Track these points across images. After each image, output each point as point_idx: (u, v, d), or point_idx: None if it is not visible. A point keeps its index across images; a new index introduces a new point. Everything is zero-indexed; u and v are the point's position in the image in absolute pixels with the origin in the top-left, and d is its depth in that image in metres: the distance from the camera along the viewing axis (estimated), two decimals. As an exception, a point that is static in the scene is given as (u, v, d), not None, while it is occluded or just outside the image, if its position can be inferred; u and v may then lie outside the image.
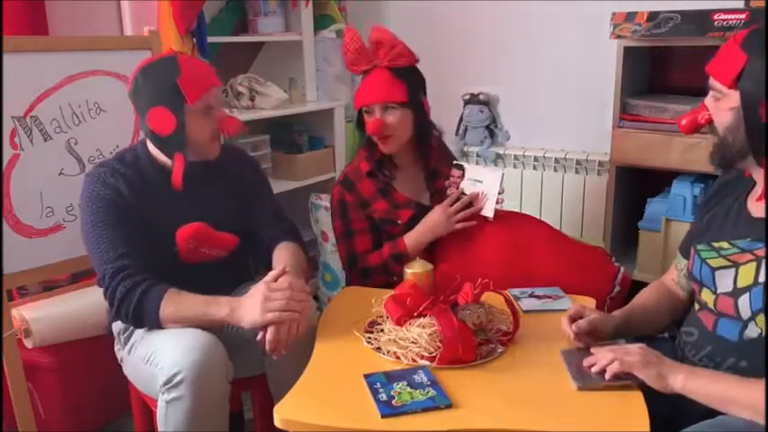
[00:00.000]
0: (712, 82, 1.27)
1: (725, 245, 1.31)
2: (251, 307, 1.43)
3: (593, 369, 1.23)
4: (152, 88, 1.57)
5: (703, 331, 1.32)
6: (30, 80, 1.77)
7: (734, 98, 1.22)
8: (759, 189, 1.29)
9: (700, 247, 1.36)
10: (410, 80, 1.85)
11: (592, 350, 1.29)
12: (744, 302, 1.24)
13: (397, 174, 1.94)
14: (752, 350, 1.23)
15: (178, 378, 1.38)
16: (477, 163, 2.84)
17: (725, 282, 1.27)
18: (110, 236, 1.53)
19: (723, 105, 1.25)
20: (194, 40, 2.19)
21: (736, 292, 1.25)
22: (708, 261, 1.32)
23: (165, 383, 1.39)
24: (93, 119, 1.91)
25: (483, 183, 1.81)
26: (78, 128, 1.88)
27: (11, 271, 1.75)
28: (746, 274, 1.24)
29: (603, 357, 1.23)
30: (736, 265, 1.26)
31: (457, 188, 1.84)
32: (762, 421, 1.08)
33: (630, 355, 1.21)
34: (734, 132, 1.23)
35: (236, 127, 1.64)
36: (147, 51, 2.01)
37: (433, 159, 1.96)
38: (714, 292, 1.30)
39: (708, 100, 1.30)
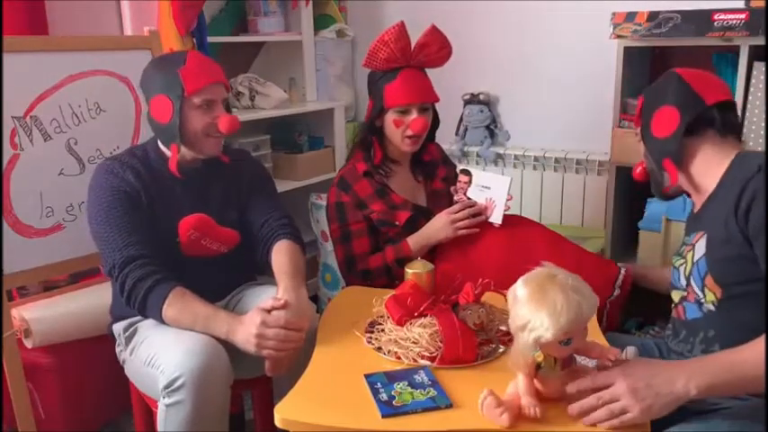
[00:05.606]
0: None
1: (682, 247, 1.47)
2: (246, 336, 1.41)
3: (585, 420, 1.09)
4: (157, 77, 1.62)
5: (677, 322, 1.46)
6: (30, 80, 1.77)
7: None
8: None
9: (673, 258, 1.51)
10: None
11: (567, 388, 1.13)
12: (694, 283, 1.37)
13: (393, 175, 1.93)
14: (713, 319, 1.34)
15: (179, 382, 1.38)
16: (477, 163, 2.84)
17: (681, 275, 1.43)
18: (118, 224, 1.54)
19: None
20: (194, 40, 2.19)
21: (687, 279, 1.40)
22: (674, 265, 1.47)
23: (166, 387, 1.39)
24: (93, 119, 1.91)
25: (491, 189, 1.80)
26: (78, 128, 1.88)
27: (11, 271, 1.75)
28: (689, 261, 1.39)
29: (589, 406, 1.10)
30: (684, 257, 1.43)
31: (464, 194, 1.84)
32: None
33: (620, 401, 1.08)
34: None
35: (232, 125, 1.62)
36: (146, 51, 2.01)
37: (428, 157, 1.98)
38: (679, 289, 1.44)
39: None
